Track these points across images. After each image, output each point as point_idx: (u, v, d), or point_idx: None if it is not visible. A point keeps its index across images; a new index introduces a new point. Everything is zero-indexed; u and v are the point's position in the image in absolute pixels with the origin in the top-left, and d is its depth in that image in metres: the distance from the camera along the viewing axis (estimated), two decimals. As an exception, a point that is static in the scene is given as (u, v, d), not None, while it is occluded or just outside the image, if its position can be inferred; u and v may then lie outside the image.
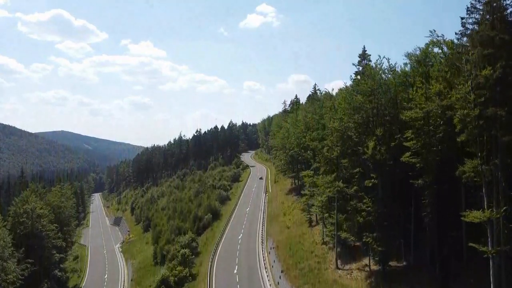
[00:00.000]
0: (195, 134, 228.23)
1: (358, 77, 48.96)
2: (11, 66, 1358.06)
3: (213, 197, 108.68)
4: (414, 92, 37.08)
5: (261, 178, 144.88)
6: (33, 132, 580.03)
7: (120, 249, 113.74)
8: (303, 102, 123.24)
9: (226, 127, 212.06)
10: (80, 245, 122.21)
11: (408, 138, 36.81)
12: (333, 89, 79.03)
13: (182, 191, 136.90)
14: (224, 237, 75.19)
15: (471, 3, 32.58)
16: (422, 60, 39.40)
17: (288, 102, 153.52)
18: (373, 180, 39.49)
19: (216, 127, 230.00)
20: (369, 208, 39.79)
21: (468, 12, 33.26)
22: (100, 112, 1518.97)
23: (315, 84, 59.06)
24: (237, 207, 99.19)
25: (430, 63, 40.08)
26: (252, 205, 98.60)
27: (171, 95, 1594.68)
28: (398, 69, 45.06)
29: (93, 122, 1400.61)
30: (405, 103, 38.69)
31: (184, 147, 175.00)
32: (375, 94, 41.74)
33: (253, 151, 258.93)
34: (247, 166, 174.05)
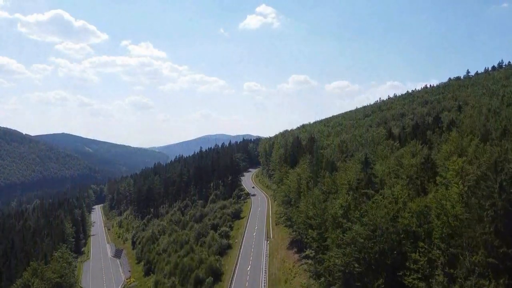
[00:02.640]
0: (196, 154, 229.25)
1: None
2: (11, 67, 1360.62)
3: (214, 248, 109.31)
4: (418, 256, 36.85)
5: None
6: (33, 135, 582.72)
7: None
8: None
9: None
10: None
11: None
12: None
13: (183, 229, 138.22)
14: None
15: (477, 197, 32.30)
16: (424, 213, 39.02)
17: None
18: (375, 333, 39.49)
19: (217, 149, 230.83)
20: None
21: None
22: (101, 112, 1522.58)
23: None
24: (238, 263, 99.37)
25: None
26: (254, 260, 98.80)
27: (172, 95, 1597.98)
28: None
29: (94, 123, 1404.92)
30: (407, 263, 38.18)
31: (185, 176, 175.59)
32: (377, 237, 41.53)
33: (254, 170, 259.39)
34: (248, 195, 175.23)
